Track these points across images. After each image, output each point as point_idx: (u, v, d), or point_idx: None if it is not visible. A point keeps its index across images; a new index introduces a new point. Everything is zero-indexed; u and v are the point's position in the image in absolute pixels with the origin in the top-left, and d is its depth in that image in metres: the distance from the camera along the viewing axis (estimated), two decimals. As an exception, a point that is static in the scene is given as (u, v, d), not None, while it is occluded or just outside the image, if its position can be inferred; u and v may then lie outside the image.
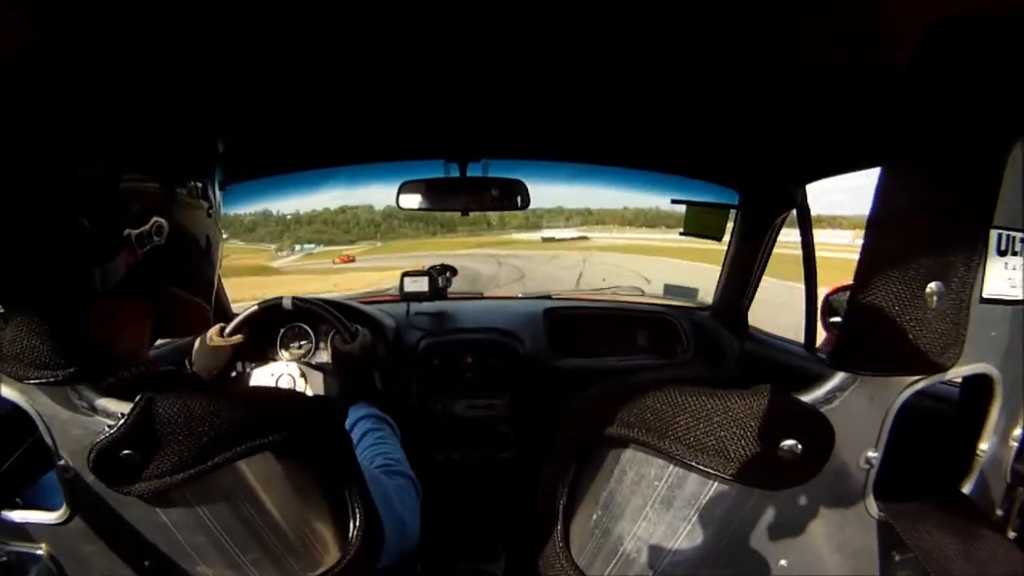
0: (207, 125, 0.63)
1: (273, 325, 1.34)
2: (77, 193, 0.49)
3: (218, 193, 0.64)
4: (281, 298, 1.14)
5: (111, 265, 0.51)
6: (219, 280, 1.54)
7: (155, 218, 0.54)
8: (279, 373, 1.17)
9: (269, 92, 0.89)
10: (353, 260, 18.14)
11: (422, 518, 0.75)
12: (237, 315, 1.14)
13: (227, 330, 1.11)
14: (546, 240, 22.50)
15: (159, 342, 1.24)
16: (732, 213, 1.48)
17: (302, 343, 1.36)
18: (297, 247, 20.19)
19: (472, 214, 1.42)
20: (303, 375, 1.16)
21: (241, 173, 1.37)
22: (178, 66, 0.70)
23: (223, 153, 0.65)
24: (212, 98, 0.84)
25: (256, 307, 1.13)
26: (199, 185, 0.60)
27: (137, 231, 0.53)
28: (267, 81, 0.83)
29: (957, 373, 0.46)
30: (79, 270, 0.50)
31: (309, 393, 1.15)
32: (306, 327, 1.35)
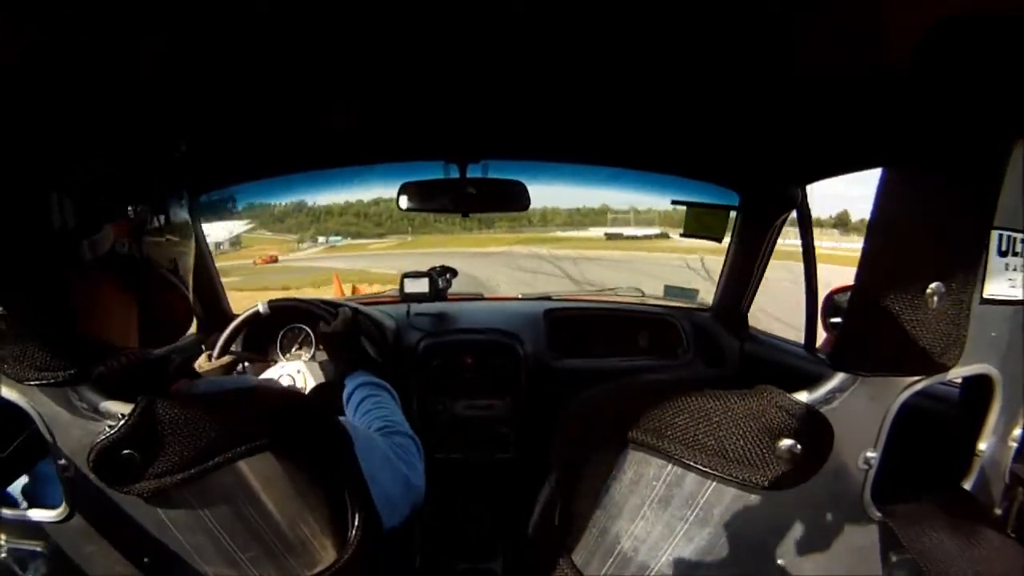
0: (170, 154, 0.65)
1: (273, 328, 1.34)
2: (63, 177, 0.51)
3: (184, 214, 0.66)
4: (258, 304, 1.15)
5: (98, 236, 0.53)
6: (221, 284, 1.54)
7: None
8: (278, 375, 1.17)
9: (269, 93, 0.89)
10: (276, 260, 15.38)
11: (421, 517, 0.75)
12: (234, 318, 1.15)
13: (214, 354, 1.12)
14: (610, 237, 19.02)
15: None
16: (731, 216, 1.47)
17: (302, 343, 1.36)
18: (321, 239, 19.45)
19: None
20: (301, 372, 1.16)
21: (240, 174, 1.37)
22: (175, 70, 0.70)
23: (195, 168, 0.66)
24: (206, 100, 0.84)
25: (235, 323, 1.15)
26: (161, 217, 0.61)
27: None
28: (268, 82, 0.83)
29: (957, 374, 0.46)
30: (67, 241, 0.51)
31: (309, 391, 1.15)
32: (303, 327, 1.35)
